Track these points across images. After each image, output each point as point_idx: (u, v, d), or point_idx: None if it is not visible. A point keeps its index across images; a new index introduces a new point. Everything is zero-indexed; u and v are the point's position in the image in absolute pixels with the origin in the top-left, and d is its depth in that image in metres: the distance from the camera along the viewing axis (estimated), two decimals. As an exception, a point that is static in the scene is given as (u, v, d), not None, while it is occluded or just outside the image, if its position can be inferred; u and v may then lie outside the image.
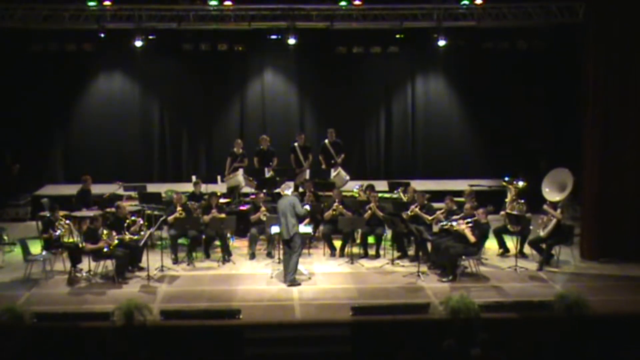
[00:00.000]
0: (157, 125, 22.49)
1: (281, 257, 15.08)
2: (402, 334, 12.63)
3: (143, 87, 22.35)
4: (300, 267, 14.77)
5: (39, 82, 21.42)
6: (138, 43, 19.02)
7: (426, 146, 22.81)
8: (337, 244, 16.56)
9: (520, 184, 16.88)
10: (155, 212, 16.86)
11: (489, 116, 22.23)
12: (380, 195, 17.26)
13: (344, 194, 17.60)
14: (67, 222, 15.52)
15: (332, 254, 16.52)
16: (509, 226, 16.22)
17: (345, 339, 12.64)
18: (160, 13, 18.23)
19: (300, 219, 14.90)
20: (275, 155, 19.54)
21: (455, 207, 15.83)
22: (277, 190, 17.72)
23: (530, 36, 21.13)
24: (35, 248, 15.48)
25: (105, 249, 14.68)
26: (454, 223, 15.13)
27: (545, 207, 15.99)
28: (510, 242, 16.40)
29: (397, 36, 20.83)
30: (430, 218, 15.92)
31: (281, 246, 15.20)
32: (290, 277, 14.39)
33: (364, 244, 16.51)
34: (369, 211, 16.26)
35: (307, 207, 15.38)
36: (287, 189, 15.27)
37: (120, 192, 18.34)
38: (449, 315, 12.74)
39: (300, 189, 18.75)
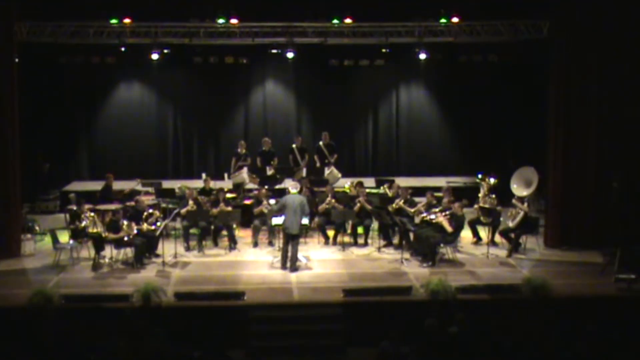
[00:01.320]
0: (171, 128, 22.44)
1: (281, 245, 15.00)
2: (387, 313, 12.62)
3: (159, 95, 22.30)
4: (298, 255, 14.72)
5: (67, 91, 21.40)
6: (154, 56, 18.93)
7: (409, 147, 22.79)
8: (331, 233, 16.55)
9: (492, 180, 16.87)
10: (170, 206, 16.83)
11: (464, 121, 22.24)
12: (368, 190, 17.27)
13: (336, 189, 17.58)
14: (92, 214, 15.51)
15: (326, 243, 16.50)
16: (481, 218, 16.22)
17: (337, 318, 12.65)
18: (174, 29, 18.17)
19: (307, 214, 14.90)
20: (275, 155, 19.51)
21: (434, 201, 15.84)
22: (282, 186, 17.68)
23: (500, 50, 21.11)
24: (64, 237, 15.46)
25: (125, 238, 14.65)
26: (434, 215, 15.13)
27: (513, 201, 15.99)
28: (483, 232, 16.41)
29: (383, 50, 20.77)
30: (412, 211, 15.90)
31: (281, 235, 15.14)
32: (293, 265, 14.38)
33: (354, 234, 16.49)
34: (359, 204, 16.23)
35: (293, 189, 15.19)
36: (293, 188, 15.13)
37: (139, 187, 18.33)
38: (429, 297, 12.75)
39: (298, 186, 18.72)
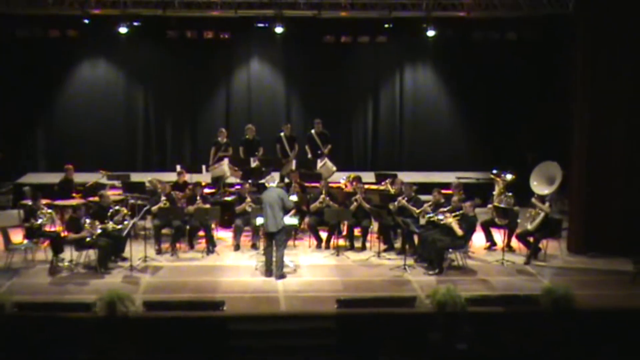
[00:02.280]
0: (141, 113, 22.41)
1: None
2: (387, 327, 12.65)
3: (127, 75, 22.25)
4: (285, 259, 14.75)
5: (22, 69, 21.28)
6: (122, 29, 18.94)
7: (414, 137, 22.82)
8: (323, 235, 16.56)
9: (509, 176, 16.91)
10: (139, 202, 16.77)
11: (477, 107, 22.27)
12: (367, 187, 17.25)
13: (330, 185, 17.59)
14: (49, 210, 15.47)
15: (318, 246, 16.52)
16: (496, 219, 16.23)
17: (330, 332, 12.66)
18: (146, -1, 18.20)
19: (286, 212, 14.90)
20: (260, 145, 19.52)
21: (442, 200, 15.85)
22: (262, 182, 17.70)
23: (520, 27, 21.16)
24: (17, 237, 15.42)
25: (87, 239, 14.64)
26: (441, 216, 15.16)
27: (533, 200, 16.03)
28: (498, 236, 16.44)
29: (386, 26, 20.80)
30: (417, 210, 15.93)
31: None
32: (280, 271, 14.39)
33: (350, 236, 16.51)
34: (356, 203, 16.26)
35: (294, 197, 15.37)
36: (272, 181, 15.27)
37: (104, 181, 18.28)
38: (435, 309, 12.77)
39: (286, 180, 18.73)
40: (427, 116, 22.81)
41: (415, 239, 15.64)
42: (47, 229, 15.40)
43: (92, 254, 14.99)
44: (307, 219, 17.07)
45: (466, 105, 22.53)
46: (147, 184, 17.77)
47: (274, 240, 14.47)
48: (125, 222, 15.22)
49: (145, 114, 22.44)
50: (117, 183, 18.23)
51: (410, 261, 15.19)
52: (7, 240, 15.06)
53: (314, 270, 15.03)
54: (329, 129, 20.24)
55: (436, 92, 22.83)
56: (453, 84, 22.60)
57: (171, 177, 18.51)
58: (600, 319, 12.91)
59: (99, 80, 22.20)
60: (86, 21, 18.99)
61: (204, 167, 19.22)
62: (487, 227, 16.53)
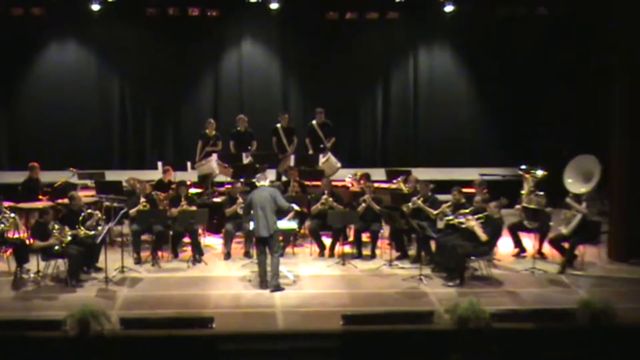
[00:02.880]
0: (117, 102, 22.46)
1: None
2: (400, 346, 12.62)
3: (101, 59, 22.29)
4: (282, 268, 14.71)
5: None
6: (95, 7, 18.91)
7: (430, 129, 22.87)
8: (327, 242, 16.55)
9: (539, 173, 16.88)
10: (115, 204, 16.75)
11: (502, 94, 22.26)
12: (376, 185, 17.27)
13: (334, 183, 17.58)
14: (12, 214, 15.43)
15: (321, 254, 16.49)
16: (525, 222, 16.21)
17: (334, 352, 12.60)
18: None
19: (282, 214, 14.85)
20: (254, 138, 19.53)
21: (463, 200, 15.82)
22: (253, 180, 17.68)
23: (551, 1, 21.13)
24: (-25, 245, 15.42)
25: (56, 247, 14.58)
26: (462, 218, 15.12)
27: (568, 200, 16.00)
28: (528, 241, 16.42)
29: (397, 0, 20.79)
30: (434, 212, 15.90)
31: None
32: (275, 281, 14.34)
33: (358, 242, 16.48)
34: (364, 204, 16.23)
35: (295, 206, 15.27)
36: (263, 179, 15.17)
37: (74, 180, 18.26)
38: (455, 325, 12.72)
39: (284, 178, 18.73)
40: (445, 104, 22.85)
41: (433, 245, 15.61)
42: (9, 235, 15.34)
43: (61, 264, 14.94)
44: (307, 223, 17.04)
45: (490, 91, 22.55)
46: (124, 184, 17.75)
47: (268, 247, 14.43)
48: (99, 228, 15.17)
49: (121, 103, 22.48)
50: (89, 183, 18.23)
51: (426, 270, 15.15)
52: (-37, 248, 15.04)
53: (316, 281, 15.00)
54: (333, 119, 20.24)
55: (455, 77, 22.87)
56: (474, 67, 22.62)
57: (152, 175, 18.50)
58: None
59: (68, 65, 22.21)
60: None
61: (189, 163, 19.17)
62: (515, 231, 16.49)
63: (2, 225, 15.10)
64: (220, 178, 19.11)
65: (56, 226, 14.67)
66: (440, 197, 16.48)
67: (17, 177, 18.77)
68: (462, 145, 22.53)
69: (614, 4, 16.51)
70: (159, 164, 18.57)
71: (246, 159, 18.92)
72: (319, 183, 17.46)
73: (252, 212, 14.50)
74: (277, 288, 14.32)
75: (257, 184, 14.94)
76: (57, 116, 21.93)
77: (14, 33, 21.35)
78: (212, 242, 17.41)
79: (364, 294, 14.33)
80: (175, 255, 16.32)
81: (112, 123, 22.43)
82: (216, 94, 22.57)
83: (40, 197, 17.31)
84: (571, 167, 16.89)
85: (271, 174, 18.62)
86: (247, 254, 16.30)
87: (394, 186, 17.72)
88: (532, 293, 14.41)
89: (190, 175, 19.01)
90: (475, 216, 14.96)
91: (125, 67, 22.33)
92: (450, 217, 15.44)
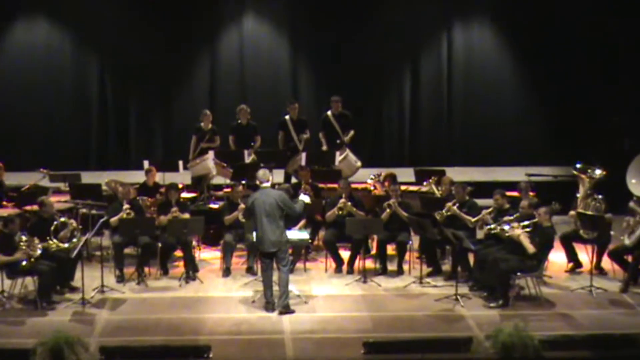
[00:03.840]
0: (95, 91, 22.52)
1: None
2: (433, 379, 12.63)
3: (77, 39, 22.36)
4: (292, 287, 14.69)
5: None
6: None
7: (467, 121, 22.88)
8: (345, 255, 16.56)
9: (598, 172, 16.83)
10: (93, 211, 16.82)
11: (554, 80, 22.22)
12: (403, 188, 17.28)
13: (353, 186, 17.58)
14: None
15: (337, 270, 16.49)
16: (581, 231, 16.15)
17: (355, 387, 12.64)
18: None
19: (292, 222, 14.79)
20: (257, 132, 19.56)
21: (507, 205, 15.79)
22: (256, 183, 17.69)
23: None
24: None
25: (24, 262, 14.60)
26: (506, 227, 15.09)
27: (631, 204, 15.95)
28: (584, 254, 16.37)
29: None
30: (473, 220, 15.86)
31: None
32: (284, 303, 14.30)
33: (382, 256, 16.48)
34: (389, 210, 16.22)
35: (306, 198, 15.10)
36: (265, 180, 14.93)
37: (45, 183, 18.32)
38: (498, 354, 12.70)
39: (294, 179, 18.70)
40: (485, 91, 22.87)
41: (471, 258, 15.58)
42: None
43: (30, 282, 14.97)
44: (322, 233, 17.04)
45: (539, 77, 22.50)
46: (104, 187, 17.79)
47: (275, 262, 14.39)
48: (75, 240, 15.17)
49: (100, 92, 22.55)
50: (63, 186, 18.26)
51: (463, 289, 15.13)
52: None
53: (332, 302, 15.00)
54: (351, 109, 20.23)
55: (497, 60, 22.87)
56: (520, 46, 22.59)
57: (136, 177, 18.53)
58: None
59: (37, 47, 22.30)
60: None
61: (181, 163, 19.18)
62: (568, 242, 16.45)
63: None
64: (218, 180, 19.14)
65: (23, 238, 14.67)
66: (480, 201, 16.46)
67: (-23, 180, 18.82)
68: (505, 140, 22.51)
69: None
70: (145, 163, 18.56)
71: (248, 158, 18.93)
72: (335, 186, 17.47)
73: (253, 220, 14.44)
74: (286, 310, 14.28)
75: (260, 185, 14.65)
76: (24, 107, 21.98)
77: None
78: (209, 256, 17.44)
79: (389, 318, 14.31)
80: (165, 272, 16.33)
81: (90, 115, 22.48)
82: (213, 80, 22.61)
83: (4, 203, 17.35)
84: (635, 165, 16.84)
85: (278, 175, 18.59)
86: (250, 270, 16.30)
87: (424, 189, 17.72)
88: (589, 315, 14.36)
89: (182, 177, 19.03)
90: (522, 224, 14.92)
91: (106, 49, 22.39)
92: (492, 226, 15.40)
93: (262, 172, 14.75)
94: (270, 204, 14.21)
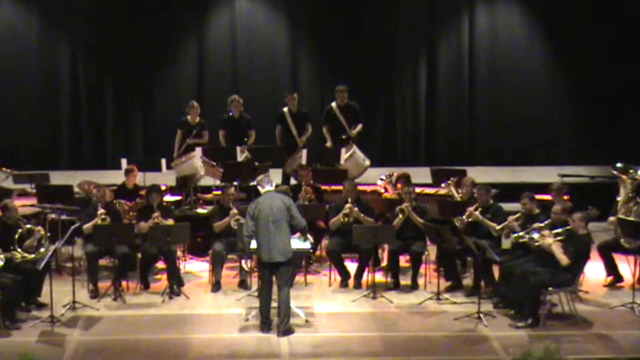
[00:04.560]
0: (66, 80, 22.53)
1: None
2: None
3: (44, 22, 22.37)
4: (292, 304, 14.67)
5: None
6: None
7: (491, 115, 22.87)
8: (351, 267, 16.55)
9: (640, 173, 16.86)
10: (64, 217, 16.81)
11: (592, 68, 22.22)
12: (418, 190, 17.29)
13: (361, 188, 17.59)
14: None
15: (343, 284, 16.49)
16: (622, 240, 16.15)
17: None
18: None
19: (296, 231, 14.79)
20: (251, 126, 19.60)
21: (537, 210, 15.76)
22: (253, 183, 17.65)
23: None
24: None
25: (-17, 275, 14.65)
26: (536, 235, 15.07)
27: (680, 209, 15.97)
28: (625, 266, 16.34)
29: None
30: (498, 227, 15.84)
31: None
32: (285, 326, 14.27)
33: (394, 268, 16.47)
34: (401, 216, 16.21)
35: (307, 243, 15.03)
36: (268, 182, 14.90)
37: (8, 184, 18.33)
38: (527, 381, 12.72)
39: (293, 180, 18.68)
40: (513, 81, 22.84)
41: (496, 271, 15.56)
42: None
43: (-9, 298, 14.99)
44: (325, 242, 17.04)
45: (574, 64, 22.48)
46: (76, 189, 17.79)
47: (276, 276, 14.37)
48: (42, 249, 15.17)
49: (72, 82, 22.55)
50: (29, 188, 18.26)
51: (487, 306, 15.13)
52: None
53: (336, 321, 15.00)
54: (360, 101, 20.26)
55: (526, 45, 22.89)
56: (553, 31, 22.59)
57: (113, 177, 18.56)
58: None
59: (0, 31, 22.26)
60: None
61: (164, 161, 19.19)
62: (607, 253, 16.42)
63: None
64: (207, 181, 19.11)
65: (-17, 247, 14.71)
66: (506, 206, 16.47)
67: None
68: (535, 135, 22.54)
69: None
70: (124, 162, 18.57)
71: (241, 155, 18.94)
72: (340, 188, 17.43)
73: (252, 227, 14.40)
74: (288, 332, 14.27)
75: (261, 188, 14.60)
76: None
77: None
78: (196, 268, 17.44)
79: (403, 339, 14.31)
80: (146, 286, 16.31)
81: (60, 107, 22.49)
82: (200, 67, 22.62)
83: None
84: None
85: (276, 176, 18.57)
86: (242, 284, 16.30)
87: (442, 192, 17.73)
88: (631, 337, 14.33)
89: (165, 178, 19.04)
90: (554, 232, 14.90)
91: (78, 32, 22.41)
92: (520, 234, 15.38)
93: (263, 176, 14.78)
94: (278, 208, 14.18)
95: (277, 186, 15.61)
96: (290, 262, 14.30)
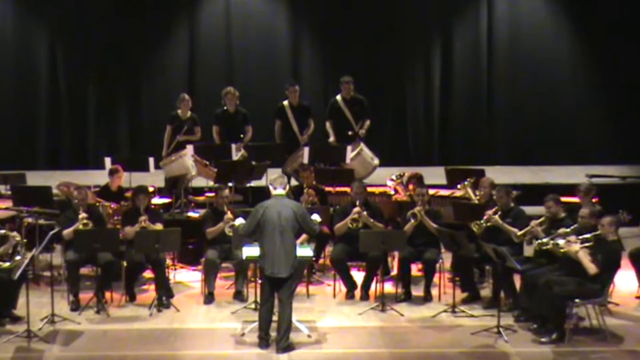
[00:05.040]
0: (44, 72, 22.55)
1: (258, 299, 15.00)
2: None
3: (21, 7, 22.38)
4: (294, 319, 14.65)
5: None
6: None
7: (512, 109, 22.90)
8: (358, 277, 16.56)
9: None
10: (41, 221, 16.81)
11: (623, 59, 22.23)
12: (431, 192, 17.30)
13: (369, 189, 17.59)
14: None
15: (349, 295, 16.49)
16: (656, 247, 16.19)
17: None
18: None
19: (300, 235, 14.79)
20: (248, 121, 19.64)
21: (562, 214, 15.76)
22: (262, 184, 17.66)
23: None
24: None
25: (-46, 285, 14.67)
26: (561, 241, 15.05)
27: None
28: (659, 276, 16.37)
29: None
30: (519, 233, 15.84)
31: (259, 280, 15.11)
32: (284, 343, 14.25)
33: (405, 278, 16.48)
34: (413, 220, 16.20)
35: (316, 216, 15.01)
36: (280, 185, 14.81)
37: (-20, 186, 18.38)
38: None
39: (294, 181, 18.68)
40: (536, 73, 22.84)
41: (517, 281, 15.56)
42: None
43: (-39, 310, 15.00)
44: (329, 249, 17.05)
45: (604, 54, 22.50)
46: (55, 191, 17.79)
47: (278, 289, 14.35)
48: (18, 257, 15.19)
49: (51, 73, 22.58)
50: (3, 189, 18.28)
51: (507, 320, 15.12)
52: None
53: (342, 336, 14.99)
54: (367, 93, 20.28)
55: (551, 33, 22.89)
56: (581, 17, 22.59)
57: (96, 177, 18.56)
58: None
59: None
60: None
61: (151, 160, 19.21)
62: (640, 261, 16.45)
63: None
64: (199, 182, 19.11)
65: (-46, 254, 14.73)
66: (528, 209, 16.46)
67: None
68: (560, 132, 22.57)
69: None
70: (107, 161, 18.61)
71: (237, 154, 18.95)
72: (346, 189, 17.49)
73: (251, 230, 14.38)
74: (288, 348, 14.26)
75: (272, 191, 14.50)
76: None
77: None
78: (187, 277, 17.46)
79: (414, 355, 14.32)
80: (132, 298, 16.32)
81: (38, 102, 22.51)
82: (192, 56, 22.66)
83: None
84: None
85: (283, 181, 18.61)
86: (238, 296, 16.30)
87: (458, 193, 17.75)
88: (667, 353, 14.38)
89: (153, 178, 19.06)
90: (581, 238, 14.89)
91: (57, 19, 22.44)
92: (543, 240, 15.37)
93: (277, 177, 14.64)
94: (287, 217, 14.08)
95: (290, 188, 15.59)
96: (293, 276, 14.27)
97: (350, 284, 16.49)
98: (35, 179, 18.92)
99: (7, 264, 14.99)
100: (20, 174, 18.67)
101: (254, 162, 18.54)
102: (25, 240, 15.61)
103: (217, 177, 18.20)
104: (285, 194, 14.53)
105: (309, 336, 14.79)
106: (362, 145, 19.33)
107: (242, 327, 15.09)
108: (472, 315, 15.58)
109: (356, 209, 16.37)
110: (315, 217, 14.74)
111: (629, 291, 16.50)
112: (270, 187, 14.54)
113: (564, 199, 16.28)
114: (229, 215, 16.26)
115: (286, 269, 14.05)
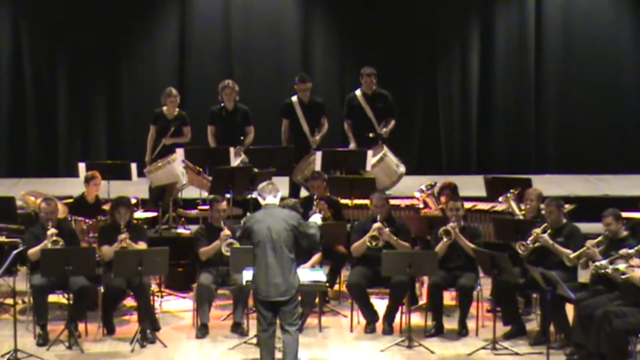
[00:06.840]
0: (6, 59, 22.66)
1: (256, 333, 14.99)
2: None
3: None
4: (302, 355, 14.70)
5: None
6: None
7: (564, 110, 22.92)
8: (380, 306, 16.58)
9: None
10: (3, 238, 16.85)
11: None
12: (467, 206, 17.35)
13: (393, 202, 17.64)
14: None
15: (369, 328, 16.52)
16: None
17: None
18: None
19: (302, 255, 14.78)
20: (250, 120, 19.68)
21: (624, 233, 15.76)
22: (252, 196, 17.68)
23: None
24: None
25: None
26: (623, 265, 15.04)
27: None
28: None
29: None
30: (573, 255, 15.84)
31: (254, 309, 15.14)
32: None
33: (436, 308, 16.50)
34: (446, 239, 16.22)
35: (318, 218, 14.97)
36: (271, 193, 14.83)
37: None
38: None
39: (304, 192, 18.70)
40: (593, 65, 22.86)
41: (570, 312, 15.54)
42: None
43: None
44: (346, 273, 17.08)
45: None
46: (19, 203, 17.83)
47: (280, 317, 14.36)
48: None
49: (14, 63, 22.70)
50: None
51: (559, 358, 15.12)
52: None
53: (361, 376, 15.05)
54: (392, 88, 20.31)
55: (613, 17, 22.94)
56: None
57: (68, 187, 18.63)
58: None
59: None
60: None
61: (133, 166, 19.24)
62: None
63: None
64: (190, 192, 19.14)
65: None
66: (583, 227, 16.47)
67: None
68: (622, 136, 22.60)
69: None
70: (81, 167, 18.65)
71: (236, 159, 18.97)
72: (366, 202, 17.51)
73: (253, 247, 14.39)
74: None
75: (262, 200, 14.52)
76: None
77: None
78: (176, 306, 17.51)
79: (448, 400, 14.37)
80: (110, 331, 16.36)
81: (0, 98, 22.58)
82: (183, 44, 22.76)
83: None
84: None
85: (281, 186, 18.58)
86: (237, 328, 16.33)
87: (499, 208, 17.76)
88: None
89: (136, 188, 19.10)
90: (646, 261, 14.90)
91: (28, 9, 22.46)
92: (602, 263, 15.36)
93: (266, 184, 14.61)
94: (279, 229, 14.04)
95: (282, 199, 15.58)
96: (295, 299, 14.26)
97: (371, 315, 16.53)
98: (-5, 188, 19.01)
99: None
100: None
101: (256, 169, 18.56)
102: (-17, 261, 15.67)
103: (212, 187, 18.25)
104: (277, 203, 14.45)
105: (320, 376, 14.87)
106: (385, 149, 19.34)
107: (242, 365, 15.16)
108: (516, 353, 15.61)
109: (376, 225, 16.39)
110: (315, 220, 14.62)
111: None
112: (259, 198, 14.47)
113: (625, 214, 16.28)
114: (225, 232, 16.29)
115: (281, 291, 13.98)
